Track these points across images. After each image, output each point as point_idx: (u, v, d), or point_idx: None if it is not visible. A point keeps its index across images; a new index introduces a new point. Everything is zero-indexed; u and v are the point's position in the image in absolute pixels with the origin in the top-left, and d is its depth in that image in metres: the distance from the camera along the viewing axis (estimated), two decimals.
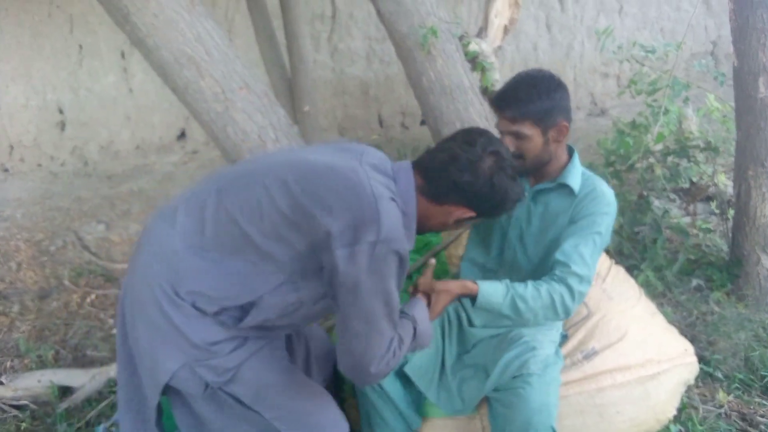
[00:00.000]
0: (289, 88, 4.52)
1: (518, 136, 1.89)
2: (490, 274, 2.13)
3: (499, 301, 1.84)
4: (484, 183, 1.62)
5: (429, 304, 1.87)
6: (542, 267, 2.01)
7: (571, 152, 2.03)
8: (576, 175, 1.98)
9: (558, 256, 1.88)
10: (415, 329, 1.71)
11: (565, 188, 1.97)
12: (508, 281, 1.88)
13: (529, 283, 1.87)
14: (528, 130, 1.88)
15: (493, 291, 1.86)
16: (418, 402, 2.06)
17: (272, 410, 1.68)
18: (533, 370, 1.82)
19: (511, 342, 1.94)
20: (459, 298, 2.15)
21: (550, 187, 2.00)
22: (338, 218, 1.48)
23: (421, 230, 1.71)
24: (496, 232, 2.12)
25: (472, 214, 1.68)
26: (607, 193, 1.95)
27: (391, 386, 1.98)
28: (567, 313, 1.87)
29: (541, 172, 2.01)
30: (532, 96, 1.85)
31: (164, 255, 1.64)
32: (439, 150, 1.69)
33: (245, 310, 1.59)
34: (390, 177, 1.63)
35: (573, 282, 1.84)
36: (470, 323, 2.12)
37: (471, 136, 1.68)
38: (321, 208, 1.49)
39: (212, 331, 1.59)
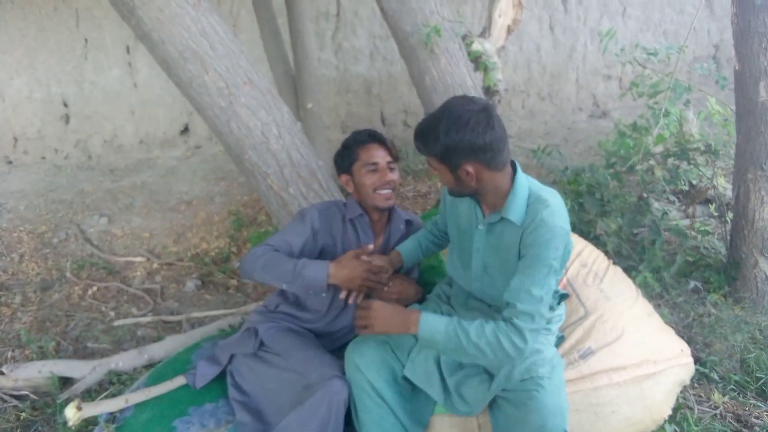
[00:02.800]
0: (293, 85, 4.54)
1: (432, 167, 1.90)
2: (472, 300, 2.13)
3: (440, 330, 1.81)
4: None
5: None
6: None
7: (515, 174, 1.90)
8: (517, 206, 1.85)
9: (506, 296, 1.80)
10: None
11: (509, 221, 1.87)
12: (456, 318, 1.85)
13: (478, 320, 1.82)
14: (435, 164, 1.87)
15: (434, 321, 1.83)
16: (422, 410, 2.06)
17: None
18: (543, 373, 1.82)
19: None
20: (448, 300, 2.20)
21: (496, 220, 1.91)
22: None
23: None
24: (463, 253, 2.10)
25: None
26: (547, 220, 1.78)
27: (390, 395, 1.98)
28: (520, 353, 1.76)
29: (486, 201, 1.94)
30: (430, 134, 1.80)
31: None
32: None
33: None
34: None
35: (521, 322, 1.75)
36: None
37: None
38: None
39: None
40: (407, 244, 2.32)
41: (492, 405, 1.89)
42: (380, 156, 2.27)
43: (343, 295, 2.16)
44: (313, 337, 2.29)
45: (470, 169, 1.79)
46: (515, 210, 1.85)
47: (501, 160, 1.81)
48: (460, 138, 1.74)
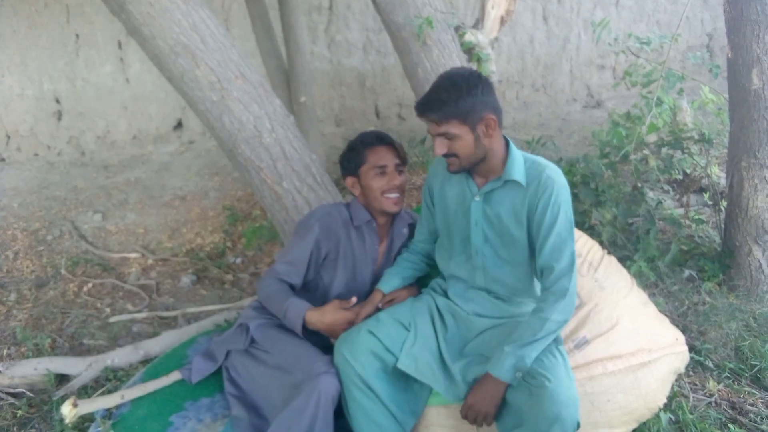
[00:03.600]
0: (286, 79, 4.53)
1: (448, 137, 1.90)
2: (472, 291, 2.13)
3: (513, 363, 1.82)
4: None
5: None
6: (518, 265, 2.03)
7: (507, 143, 2.01)
8: (518, 167, 1.95)
9: (540, 263, 1.93)
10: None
11: (513, 183, 1.95)
12: (510, 347, 1.85)
13: (522, 325, 1.89)
14: (455, 129, 1.88)
15: (506, 365, 1.83)
16: (415, 400, 2.06)
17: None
18: (553, 363, 1.83)
19: None
20: (445, 293, 2.21)
21: (498, 186, 1.98)
22: None
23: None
24: (456, 239, 2.12)
25: None
26: (553, 176, 1.92)
27: (380, 387, 1.98)
28: (572, 307, 1.92)
29: (483, 170, 1.99)
30: (452, 95, 1.85)
31: None
32: None
33: None
34: None
35: (564, 281, 1.88)
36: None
37: None
38: None
39: None
40: (392, 281, 2.28)
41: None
42: (389, 159, 2.23)
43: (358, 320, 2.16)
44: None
45: (492, 116, 1.89)
46: (517, 171, 1.94)
47: (502, 118, 1.95)
48: (481, 91, 1.86)
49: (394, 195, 2.22)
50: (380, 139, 2.27)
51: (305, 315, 2.12)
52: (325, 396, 1.91)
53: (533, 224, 1.94)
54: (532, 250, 2.00)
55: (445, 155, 1.94)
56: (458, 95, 1.84)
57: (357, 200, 2.31)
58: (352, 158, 2.27)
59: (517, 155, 1.98)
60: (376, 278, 2.33)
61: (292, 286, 2.25)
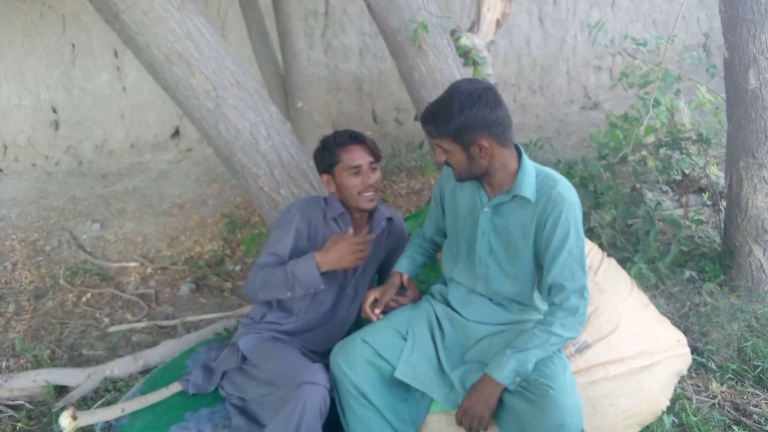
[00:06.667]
0: (283, 85, 4.53)
1: (443, 149, 1.90)
2: (473, 296, 2.12)
3: (513, 367, 1.82)
4: None
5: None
6: (520, 279, 2.01)
7: (520, 154, 1.96)
8: (529, 183, 1.91)
9: (550, 280, 1.89)
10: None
11: (522, 198, 1.92)
12: (510, 350, 1.86)
13: (528, 333, 1.89)
14: (447, 146, 1.87)
15: (506, 368, 1.83)
16: (416, 409, 2.05)
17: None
18: (555, 371, 1.82)
19: None
20: (444, 300, 2.19)
21: (507, 199, 1.95)
22: None
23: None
24: (463, 245, 2.11)
25: None
26: (564, 193, 1.88)
27: (376, 396, 1.97)
28: (581, 326, 1.92)
29: (492, 182, 1.96)
30: (445, 114, 1.82)
31: None
32: None
33: None
34: None
35: (574, 300, 1.87)
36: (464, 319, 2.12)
37: None
38: None
39: None
40: (403, 262, 2.27)
41: (499, 402, 1.86)
42: (362, 158, 2.25)
43: (375, 314, 2.12)
44: (295, 343, 2.25)
45: (485, 143, 1.83)
46: (527, 187, 1.90)
47: (509, 136, 1.89)
48: (474, 113, 1.80)
49: (369, 193, 2.25)
50: (353, 138, 2.29)
51: (317, 260, 2.12)
52: (311, 406, 1.88)
53: (541, 240, 1.91)
54: (537, 266, 1.98)
55: (446, 163, 1.95)
56: (449, 115, 1.81)
57: (333, 195, 2.34)
58: (325, 156, 2.29)
59: (529, 168, 1.94)
60: (358, 270, 2.34)
61: None
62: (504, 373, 1.81)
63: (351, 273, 2.34)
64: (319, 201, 2.35)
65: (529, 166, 1.94)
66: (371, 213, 2.38)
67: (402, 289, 2.22)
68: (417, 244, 2.33)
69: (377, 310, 2.10)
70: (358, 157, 2.25)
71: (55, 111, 5.77)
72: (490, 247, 2.02)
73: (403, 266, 2.25)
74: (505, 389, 1.83)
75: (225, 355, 2.32)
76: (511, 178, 1.93)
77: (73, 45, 5.62)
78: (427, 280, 2.45)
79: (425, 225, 2.35)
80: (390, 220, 2.42)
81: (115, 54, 5.71)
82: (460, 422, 1.87)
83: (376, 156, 2.30)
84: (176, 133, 6.09)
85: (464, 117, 1.80)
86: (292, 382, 1.93)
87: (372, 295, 2.15)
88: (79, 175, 5.68)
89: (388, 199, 4.45)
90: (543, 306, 2.07)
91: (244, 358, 2.20)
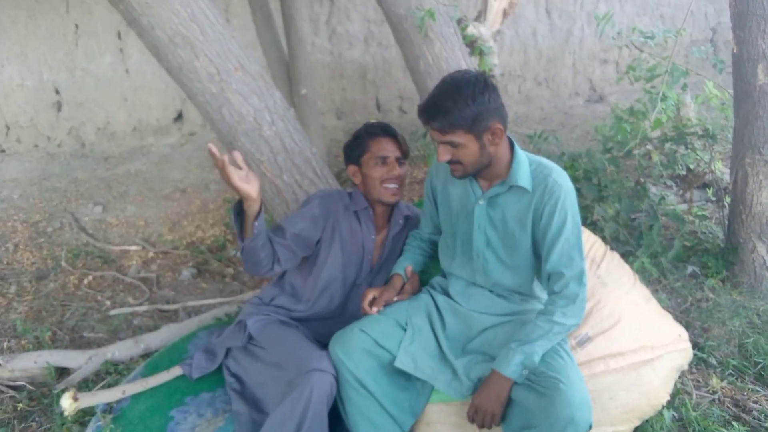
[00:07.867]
0: (287, 71, 4.50)
1: (453, 145, 1.85)
2: (473, 288, 2.12)
3: (520, 360, 1.82)
4: None
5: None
6: (519, 269, 2.01)
7: (512, 145, 1.96)
8: (524, 172, 1.91)
9: (548, 268, 1.90)
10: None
11: (518, 188, 1.92)
12: (513, 344, 1.85)
13: (530, 324, 1.88)
14: (460, 138, 1.83)
15: (512, 362, 1.82)
16: (416, 399, 2.05)
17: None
18: (564, 365, 1.82)
19: None
20: (444, 291, 2.19)
21: (502, 191, 1.95)
22: None
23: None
24: (459, 240, 2.10)
25: None
26: (559, 181, 1.88)
27: (375, 385, 1.96)
28: (582, 312, 1.93)
29: (487, 174, 1.96)
30: (458, 104, 1.77)
31: None
32: None
33: None
34: None
35: (573, 287, 1.88)
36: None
37: None
38: None
39: None
40: (403, 264, 2.28)
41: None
42: (390, 150, 2.27)
43: (372, 310, 2.12)
44: (302, 329, 2.27)
45: (498, 126, 1.83)
46: (523, 176, 1.91)
47: (507, 122, 1.89)
48: (487, 98, 1.79)
49: (392, 185, 2.26)
50: (384, 131, 2.31)
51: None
52: (318, 392, 1.88)
53: (539, 229, 1.91)
54: (536, 255, 1.98)
55: (449, 162, 1.91)
56: (464, 103, 1.77)
57: (357, 188, 2.35)
58: (355, 147, 2.32)
59: (522, 158, 1.94)
60: (374, 268, 2.36)
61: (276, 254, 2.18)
62: (511, 367, 1.81)
63: (366, 269, 2.34)
64: (342, 194, 2.36)
65: (522, 155, 1.95)
66: (391, 212, 2.39)
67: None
68: (415, 245, 2.34)
69: (375, 308, 2.10)
70: (387, 148, 2.27)
71: (57, 92, 5.75)
72: (488, 239, 2.02)
73: (402, 268, 2.27)
74: (514, 383, 1.83)
75: (230, 331, 2.31)
76: (506, 169, 1.94)
77: (77, 26, 5.59)
78: (428, 270, 2.44)
79: (421, 225, 2.35)
80: (408, 218, 2.43)
81: (119, 35, 5.68)
82: (472, 420, 1.86)
83: (405, 152, 2.32)
84: (179, 117, 6.07)
85: (478, 103, 1.78)
86: (300, 368, 1.93)
87: (370, 294, 2.15)
88: (82, 157, 5.67)
89: None
90: (543, 295, 2.08)
91: (250, 338, 2.20)
